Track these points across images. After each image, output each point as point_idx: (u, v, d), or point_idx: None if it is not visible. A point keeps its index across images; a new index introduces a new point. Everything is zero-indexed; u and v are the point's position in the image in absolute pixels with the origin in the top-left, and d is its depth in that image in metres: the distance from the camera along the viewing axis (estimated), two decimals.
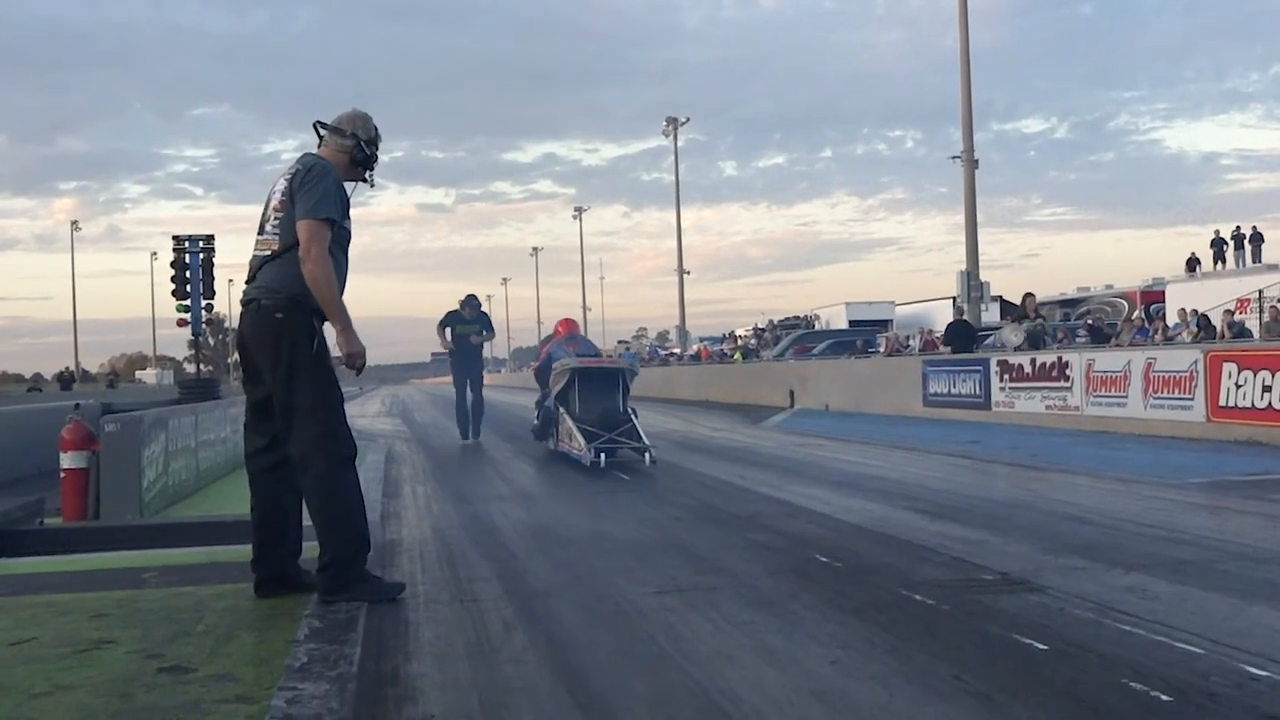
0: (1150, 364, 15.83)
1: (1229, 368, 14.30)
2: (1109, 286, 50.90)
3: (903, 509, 9.23)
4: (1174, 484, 10.42)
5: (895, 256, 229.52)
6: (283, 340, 5.81)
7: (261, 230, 5.97)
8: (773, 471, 12.81)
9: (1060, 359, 18.03)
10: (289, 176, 5.91)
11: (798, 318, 60.29)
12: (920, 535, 7.84)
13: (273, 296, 5.83)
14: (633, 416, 14.32)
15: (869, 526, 8.37)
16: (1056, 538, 7.59)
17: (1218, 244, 47.48)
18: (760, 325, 59.84)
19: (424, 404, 41.01)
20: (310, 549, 5.99)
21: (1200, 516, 8.54)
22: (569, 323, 17.31)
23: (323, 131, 6.22)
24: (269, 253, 5.90)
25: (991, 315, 36.54)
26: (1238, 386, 14.09)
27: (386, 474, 13.63)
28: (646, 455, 13.41)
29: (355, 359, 5.96)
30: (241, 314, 6.03)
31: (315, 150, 6.17)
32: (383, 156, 6.32)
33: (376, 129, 6.30)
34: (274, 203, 5.93)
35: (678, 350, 62.12)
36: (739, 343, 56.27)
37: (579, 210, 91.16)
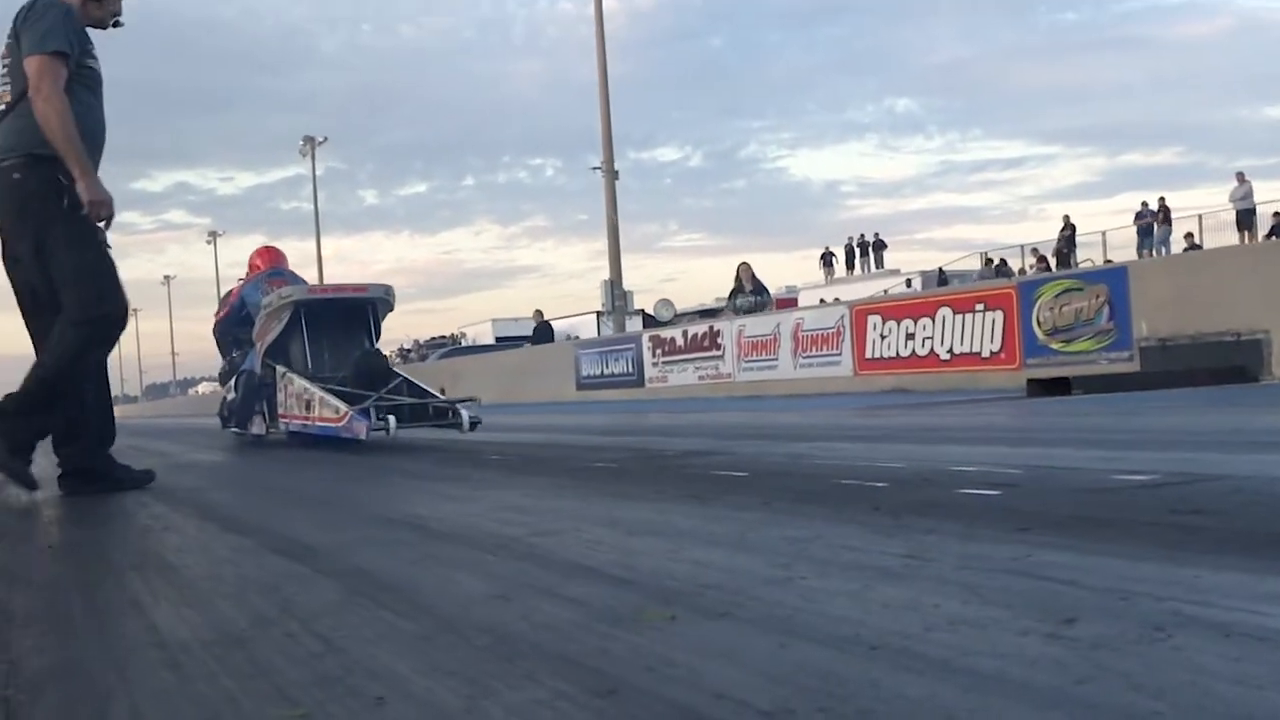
0: (799, 324, 16.16)
1: (874, 320, 14.73)
2: None
3: (568, 435, 8.91)
4: (832, 409, 10.52)
5: (538, 283, 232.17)
6: (28, 204, 4.99)
7: None
8: (429, 432, 12.24)
9: (712, 328, 18.23)
10: (13, 19, 5.09)
11: (444, 336, 59.57)
12: (591, 442, 7.52)
13: (9, 155, 5.01)
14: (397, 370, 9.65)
15: (537, 443, 7.98)
16: (731, 433, 7.41)
17: (849, 250, 50.17)
18: (406, 346, 58.77)
19: None
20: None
21: (861, 419, 8.58)
22: (271, 252, 11.16)
23: None
24: (1, 107, 5.07)
25: (635, 325, 37.13)
26: (882, 338, 14.52)
27: None
28: (463, 414, 8.31)
29: (99, 208, 5.00)
30: None
31: None
32: None
33: None
34: None
35: None
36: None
37: (213, 235, 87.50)
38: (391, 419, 7.67)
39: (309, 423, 8.46)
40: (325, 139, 60.32)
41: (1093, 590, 1.93)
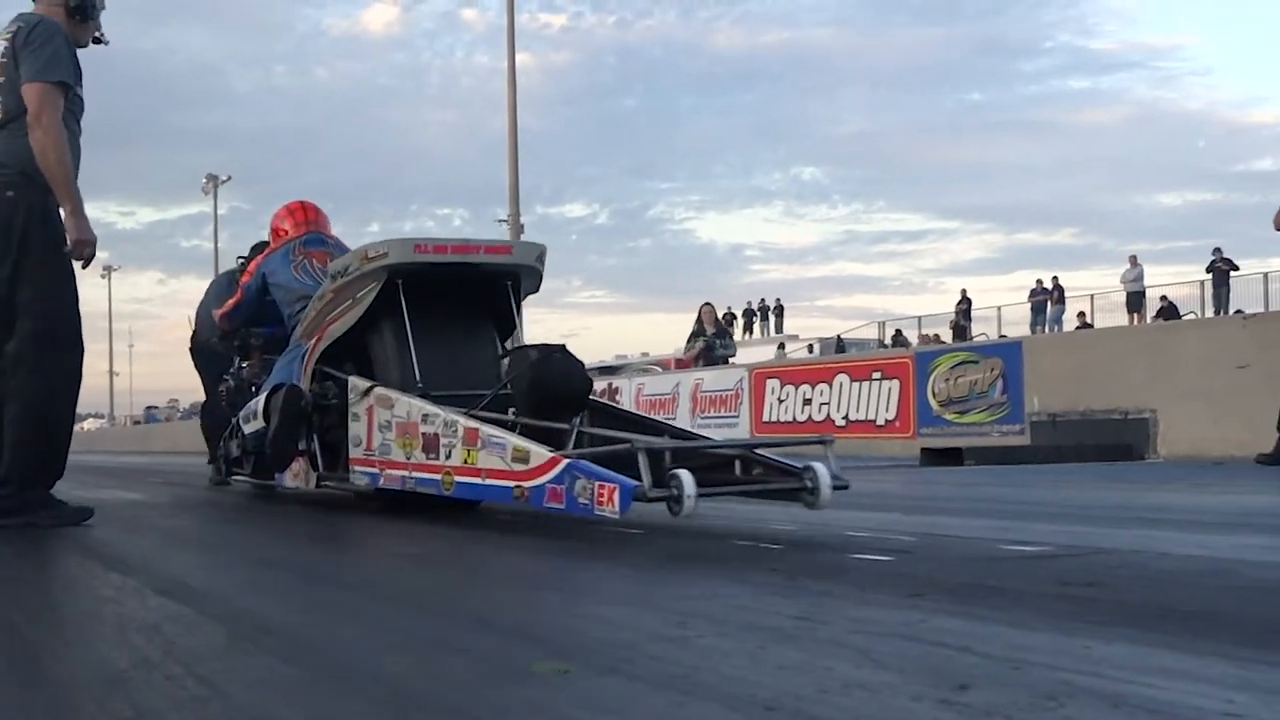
0: (698, 384, 16.24)
1: (772, 384, 14.85)
2: (645, 354, 52.83)
3: None
4: None
5: None
6: (13, 221, 4.82)
7: None
8: None
9: (610, 385, 18.26)
10: (8, 36, 4.93)
11: None
12: None
13: (1, 172, 4.85)
14: None
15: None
16: None
17: (748, 314, 50.59)
18: None
19: None
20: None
21: None
22: (307, 209, 7.35)
23: None
24: None
25: None
26: (780, 401, 14.64)
27: None
28: (820, 474, 4.05)
29: (84, 247, 4.90)
30: None
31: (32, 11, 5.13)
32: None
33: None
34: None
35: None
36: None
37: (108, 270, 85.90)
38: (687, 478, 3.65)
39: (440, 476, 4.71)
40: (229, 178, 59.49)
41: (985, 658, 1.94)
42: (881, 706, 1.64)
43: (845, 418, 13.68)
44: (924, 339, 33.99)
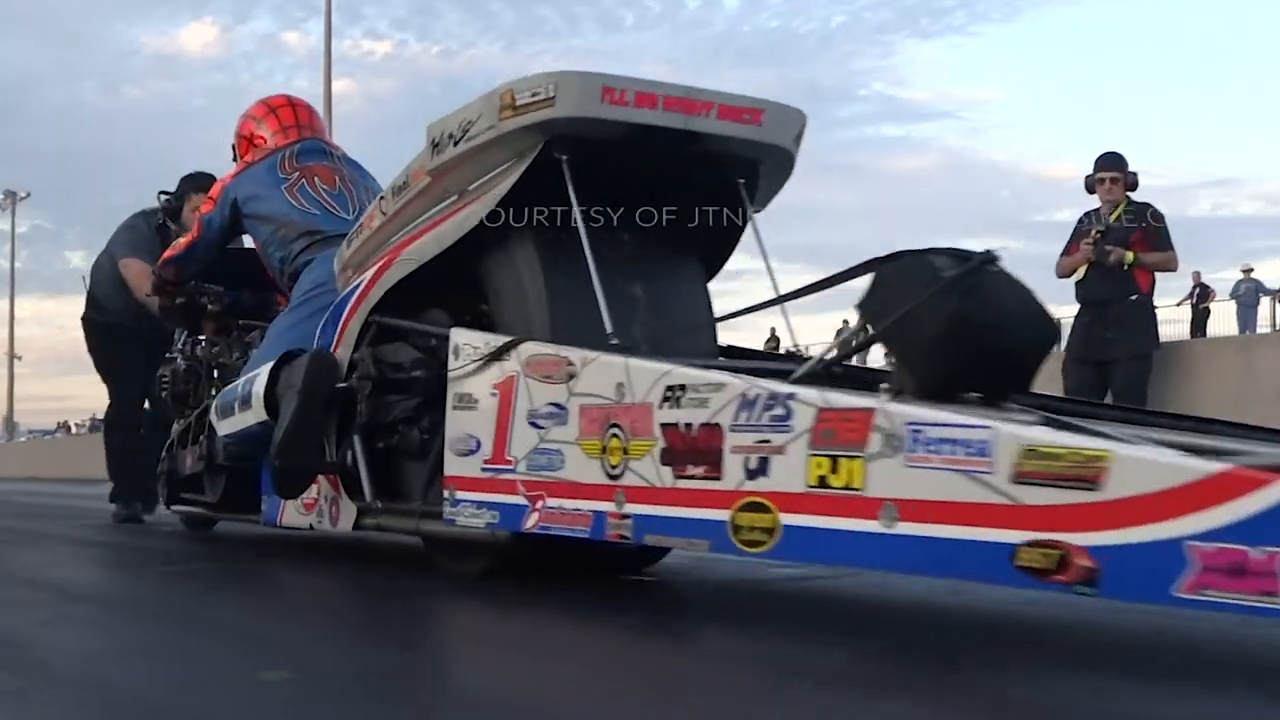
0: None
1: None
2: None
3: None
4: None
5: None
6: None
7: None
8: None
9: None
10: None
11: None
12: None
13: None
14: None
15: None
16: None
17: None
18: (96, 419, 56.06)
19: None
20: None
21: None
22: (299, 108, 4.58)
23: None
24: None
25: None
26: None
27: None
28: None
29: None
30: None
31: None
32: None
33: None
34: None
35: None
36: (73, 432, 52.59)
37: None
38: None
39: (729, 513, 2.13)
40: (28, 194, 56.97)
41: (703, 659, 2.01)
42: (584, 701, 1.70)
43: None
44: None
